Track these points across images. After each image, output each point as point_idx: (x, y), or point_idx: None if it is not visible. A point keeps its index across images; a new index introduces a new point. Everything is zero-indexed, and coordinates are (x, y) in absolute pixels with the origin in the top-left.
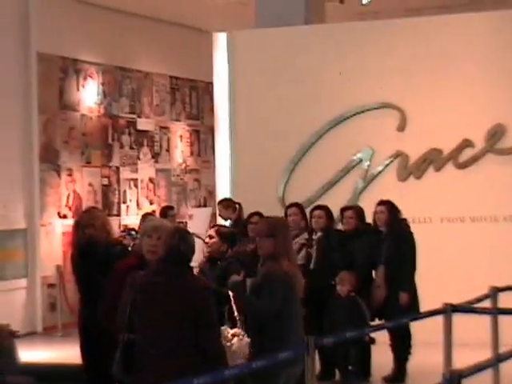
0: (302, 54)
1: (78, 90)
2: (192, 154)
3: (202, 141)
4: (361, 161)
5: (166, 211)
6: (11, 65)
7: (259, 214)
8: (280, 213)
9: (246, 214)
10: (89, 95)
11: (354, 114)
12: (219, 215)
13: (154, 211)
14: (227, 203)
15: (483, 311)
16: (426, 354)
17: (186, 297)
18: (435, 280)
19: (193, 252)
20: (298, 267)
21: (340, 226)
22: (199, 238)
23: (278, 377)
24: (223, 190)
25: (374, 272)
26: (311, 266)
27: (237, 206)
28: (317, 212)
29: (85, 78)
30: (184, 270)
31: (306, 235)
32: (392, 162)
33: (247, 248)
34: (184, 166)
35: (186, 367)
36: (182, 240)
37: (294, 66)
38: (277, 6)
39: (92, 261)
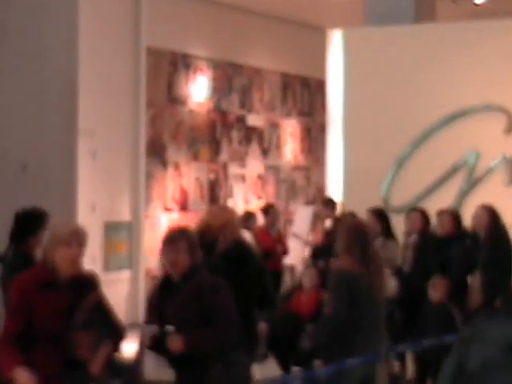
0: (413, 52)
1: (187, 84)
2: (302, 151)
3: (313, 138)
4: (466, 163)
5: (267, 208)
6: (121, 58)
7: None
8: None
9: None
10: (198, 90)
11: (461, 116)
12: (320, 213)
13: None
14: (326, 201)
15: None
16: None
17: None
18: None
19: None
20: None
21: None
22: (299, 237)
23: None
24: (333, 189)
25: (469, 278)
26: (405, 268)
27: (336, 205)
28: (412, 214)
29: (194, 73)
30: None
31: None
32: (498, 165)
33: None
34: (294, 162)
35: None
36: None
37: (406, 65)
38: (387, 3)
39: None
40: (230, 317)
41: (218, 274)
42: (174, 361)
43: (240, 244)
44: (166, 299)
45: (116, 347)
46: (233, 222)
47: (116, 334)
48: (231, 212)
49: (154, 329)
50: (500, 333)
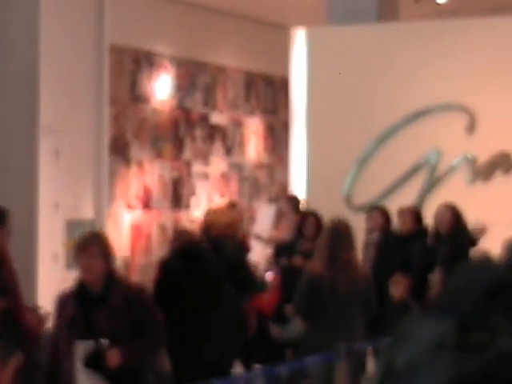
0: (376, 51)
1: (151, 82)
2: (265, 149)
3: (276, 136)
4: (427, 162)
5: (230, 207)
6: (84, 56)
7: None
8: (345, 212)
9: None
10: (161, 88)
11: (423, 114)
12: (284, 210)
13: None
14: (290, 198)
15: None
16: None
17: None
18: None
19: None
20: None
21: None
22: (259, 237)
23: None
24: (297, 187)
25: (429, 275)
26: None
27: (301, 203)
28: (374, 212)
29: (158, 71)
30: None
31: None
32: (459, 164)
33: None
34: (256, 160)
35: None
36: None
37: (369, 64)
38: (349, 2)
39: None
40: (159, 327)
41: (173, 273)
42: (110, 376)
43: (195, 243)
44: (90, 311)
45: (27, 358)
46: (238, 221)
47: (27, 343)
48: (237, 211)
49: (89, 345)
50: (429, 331)
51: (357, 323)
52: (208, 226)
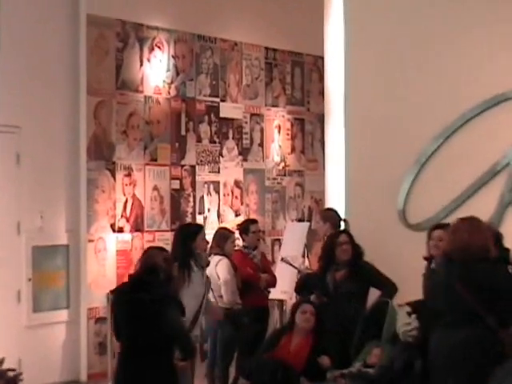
0: (439, 20)
1: (142, 64)
2: (294, 150)
3: (308, 133)
4: (508, 164)
5: (247, 226)
6: (53, 30)
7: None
8: (398, 233)
9: (359, 231)
10: (156, 71)
11: (501, 102)
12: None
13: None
14: (327, 215)
15: None
16: None
17: None
18: None
19: None
20: None
21: None
22: (291, 265)
23: None
24: (334, 199)
25: None
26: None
27: (342, 220)
28: (437, 233)
29: (151, 49)
30: None
31: None
32: None
33: None
34: (283, 166)
35: None
36: None
37: (427, 37)
38: None
39: None
40: None
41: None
42: None
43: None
44: None
45: None
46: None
47: None
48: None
49: None
50: None
51: None
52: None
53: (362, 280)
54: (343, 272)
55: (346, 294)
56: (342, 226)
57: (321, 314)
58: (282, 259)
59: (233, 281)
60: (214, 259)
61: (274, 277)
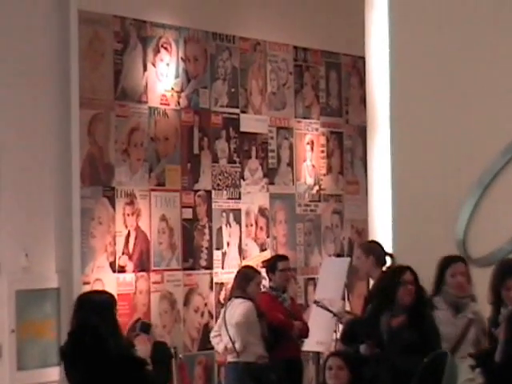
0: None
1: (146, 69)
2: (330, 170)
3: (347, 150)
4: None
5: (275, 263)
6: (38, 31)
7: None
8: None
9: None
10: (162, 78)
11: None
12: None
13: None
14: (369, 249)
15: None
16: None
17: None
18: None
19: None
20: None
21: None
22: (327, 309)
23: None
24: (378, 229)
25: None
26: (497, 357)
27: (387, 255)
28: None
29: (156, 51)
30: None
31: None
32: None
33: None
34: (317, 189)
35: None
36: None
37: (486, 33)
38: None
39: None
40: None
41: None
42: None
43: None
44: None
45: None
46: None
47: None
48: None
49: None
50: None
51: None
52: None
53: (421, 330)
54: (401, 318)
55: (404, 345)
56: (388, 261)
57: (365, 367)
58: (317, 303)
59: (251, 327)
60: (233, 303)
61: (306, 325)
